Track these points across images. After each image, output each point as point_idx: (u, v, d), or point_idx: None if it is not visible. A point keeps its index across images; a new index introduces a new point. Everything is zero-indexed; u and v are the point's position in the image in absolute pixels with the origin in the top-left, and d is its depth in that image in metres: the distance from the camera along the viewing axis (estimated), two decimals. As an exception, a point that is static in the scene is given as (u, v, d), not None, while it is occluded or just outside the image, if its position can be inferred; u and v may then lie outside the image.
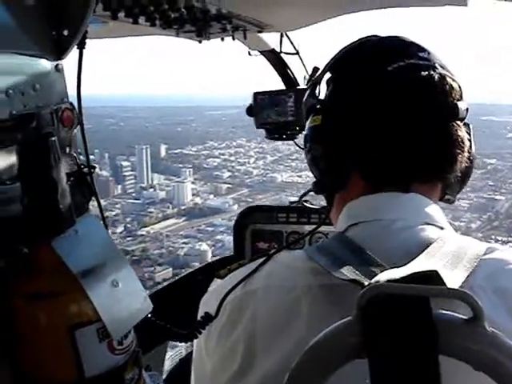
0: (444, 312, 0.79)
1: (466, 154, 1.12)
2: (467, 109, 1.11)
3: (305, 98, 1.25)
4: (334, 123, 1.14)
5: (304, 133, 1.24)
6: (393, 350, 0.78)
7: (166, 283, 2.76)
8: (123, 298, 0.76)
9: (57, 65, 0.86)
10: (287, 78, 2.38)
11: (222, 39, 1.77)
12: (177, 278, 2.80)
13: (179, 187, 40.13)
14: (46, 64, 0.84)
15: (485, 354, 0.76)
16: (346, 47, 1.19)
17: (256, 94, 2.28)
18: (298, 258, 1.11)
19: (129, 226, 34.40)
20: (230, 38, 1.77)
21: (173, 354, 2.74)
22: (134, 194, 40.20)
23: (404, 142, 1.08)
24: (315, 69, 2.22)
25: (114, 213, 33.98)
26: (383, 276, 0.86)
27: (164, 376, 2.38)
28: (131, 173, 41.91)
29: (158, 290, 2.61)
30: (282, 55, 2.26)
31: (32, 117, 0.70)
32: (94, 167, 0.78)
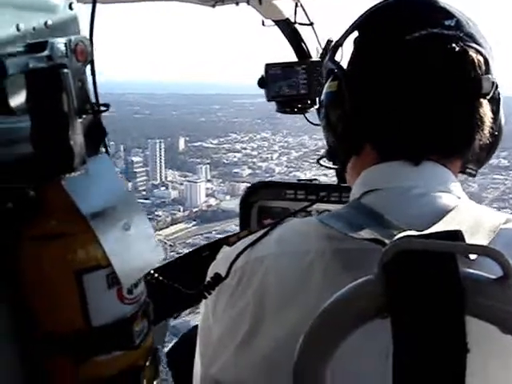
0: (471, 271, 0.75)
1: (488, 130, 1.08)
2: (493, 83, 1.04)
3: (325, 61, 1.21)
4: (348, 91, 1.10)
5: (321, 97, 1.21)
6: (417, 309, 0.74)
7: (170, 259, 2.72)
8: (134, 244, 0.72)
9: (70, 3, 0.82)
10: (300, 49, 2.33)
11: (237, 4, 1.72)
12: (182, 254, 2.76)
13: (192, 187, 38.43)
14: (58, 1, 0.80)
15: (514, 315, 0.72)
16: (373, 7, 1.14)
17: (268, 66, 2.23)
18: (311, 223, 1.08)
19: (133, 231, 32.19)
20: (245, 3, 1.73)
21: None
22: (144, 193, 38.11)
23: (416, 118, 1.04)
24: (329, 41, 2.20)
25: (118, 215, 32.18)
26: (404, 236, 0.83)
27: (166, 350, 2.36)
28: (144, 169, 40.41)
29: (160, 266, 2.57)
30: (296, 26, 2.22)
31: (44, 45, 0.66)
32: (108, 105, 0.74)
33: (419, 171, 1.06)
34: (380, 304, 0.77)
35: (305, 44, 2.32)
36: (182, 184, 39.46)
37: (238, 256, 1.09)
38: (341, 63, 1.15)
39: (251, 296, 1.05)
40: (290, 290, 1.01)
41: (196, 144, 45.41)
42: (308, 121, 2.38)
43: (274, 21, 2.18)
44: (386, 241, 0.84)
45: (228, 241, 1.25)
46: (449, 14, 1.06)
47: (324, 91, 1.19)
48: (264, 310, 1.02)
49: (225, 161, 42.76)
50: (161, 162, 40.80)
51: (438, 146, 1.06)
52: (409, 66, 1.03)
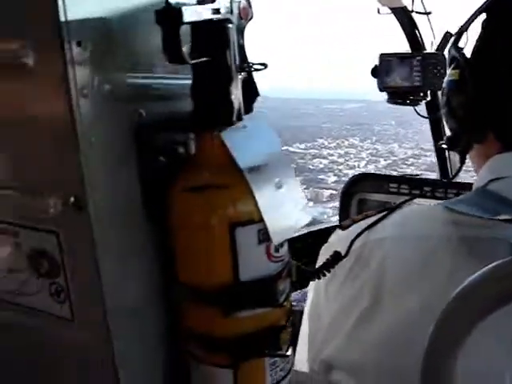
0: None
1: None
2: None
3: (448, 46, 1.18)
4: (471, 80, 1.06)
5: (443, 85, 1.17)
6: None
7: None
8: (285, 203, 0.72)
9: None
10: (415, 40, 2.29)
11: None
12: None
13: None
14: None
15: None
16: None
17: (382, 55, 2.20)
18: (434, 208, 1.05)
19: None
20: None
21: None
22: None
23: None
24: (447, 33, 2.14)
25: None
26: None
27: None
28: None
29: None
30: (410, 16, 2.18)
31: (213, -3, 0.67)
32: (266, 65, 0.74)
33: None
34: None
35: (420, 34, 2.28)
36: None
37: (358, 235, 1.07)
38: (465, 49, 1.12)
39: (368, 278, 1.03)
40: (411, 274, 0.99)
41: (282, 148, 45.15)
42: (418, 113, 2.33)
43: (390, 8, 2.15)
44: None
45: (341, 225, 1.23)
46: None
47: (446, 79, 1.16)
48: (382, 292, 1.00)
49: (310, 166, 42.07)
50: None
51: None
52: None
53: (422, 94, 2.23)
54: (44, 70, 0.64)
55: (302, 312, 1.30)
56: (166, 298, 0.78)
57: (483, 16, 1.08)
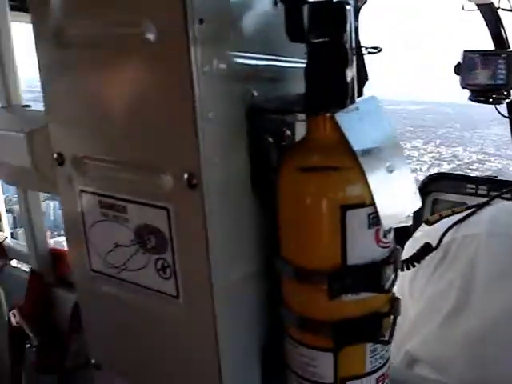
0: None
1: None
2: None
3: None
4: None
5: None
6: None
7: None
8: (396, 187, 0.71)
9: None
10: (499, 38, 2.24)
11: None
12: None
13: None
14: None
15: None
16: None
17: (466, 52, 2.16)
18: None
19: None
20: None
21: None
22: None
23: None
24: (533, 31, 2.09)
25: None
26: None
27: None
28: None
29: None
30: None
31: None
32: (380, 48, 0.73)
33: None
34: None
35: (505, 32, 2.23)
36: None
37: (449, 228, 1.06)
38: None
39: (457, 274, 1.02)
40: (502, 271, 0.97)
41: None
42: (499, 113, 2.29)
43: (477, 5, 2.10)
44: None
45: (428, 220, 1.22)
46: None
47: None
48: (472, 289, 0.99)
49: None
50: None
51: None
52: None
53: (505, 93, 2.18)
54: (167, 46, 0.65)
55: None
56: (270, 278, 0.78)
57: None
